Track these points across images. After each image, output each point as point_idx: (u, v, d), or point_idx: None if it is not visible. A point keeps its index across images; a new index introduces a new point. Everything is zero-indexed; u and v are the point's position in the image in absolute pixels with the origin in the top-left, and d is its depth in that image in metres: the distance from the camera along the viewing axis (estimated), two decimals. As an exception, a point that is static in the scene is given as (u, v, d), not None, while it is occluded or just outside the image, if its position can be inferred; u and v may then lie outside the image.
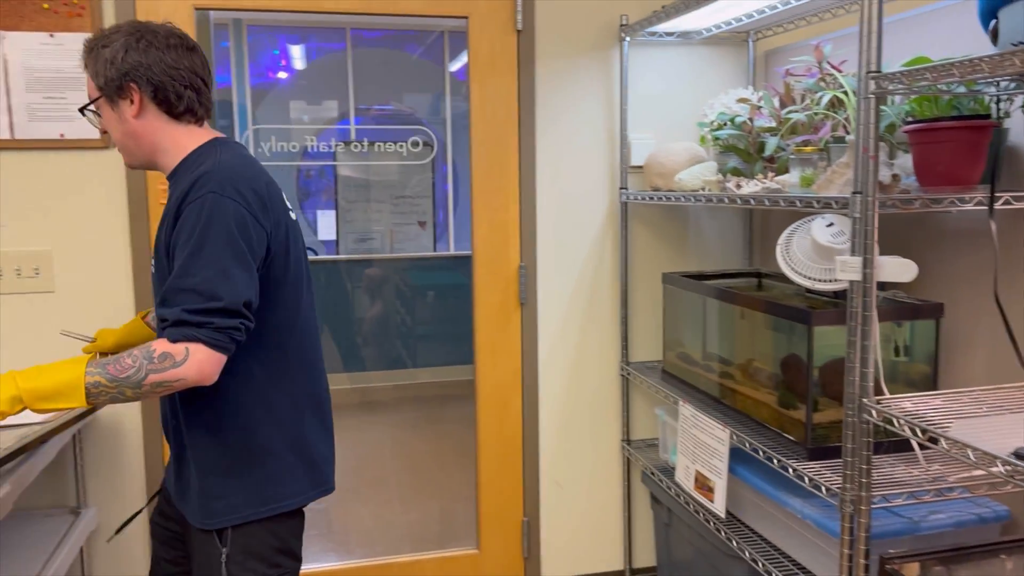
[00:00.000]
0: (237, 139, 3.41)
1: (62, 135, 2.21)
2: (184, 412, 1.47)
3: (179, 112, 1.45)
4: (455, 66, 3.75)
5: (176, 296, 1.31)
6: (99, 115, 1.48)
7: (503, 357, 2.62)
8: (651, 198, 2.42)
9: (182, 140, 1.46)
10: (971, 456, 1.26)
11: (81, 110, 1.48)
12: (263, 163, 2.51)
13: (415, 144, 3.25)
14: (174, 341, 1.30)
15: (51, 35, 2.19)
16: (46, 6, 2.18)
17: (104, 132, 1.51)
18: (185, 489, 1.51)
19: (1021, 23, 1.33)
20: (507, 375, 2.63)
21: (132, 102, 1.42)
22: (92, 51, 1.43)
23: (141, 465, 2.36)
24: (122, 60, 1.39)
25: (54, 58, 2.20)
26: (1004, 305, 1.67)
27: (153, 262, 1.46)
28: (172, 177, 1.47)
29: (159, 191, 2.34)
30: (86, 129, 2.23)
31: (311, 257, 3.70)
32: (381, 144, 3.38)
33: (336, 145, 3.43)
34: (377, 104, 3.72)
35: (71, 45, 2.20)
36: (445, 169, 3.73)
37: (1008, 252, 1.76)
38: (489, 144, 2.54)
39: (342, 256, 3.61)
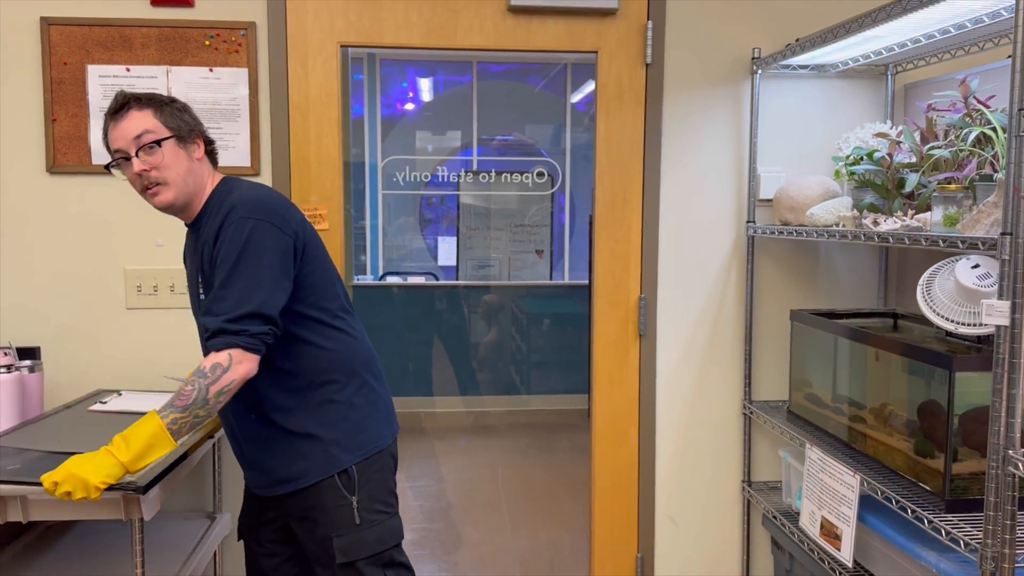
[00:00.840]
0: (366, 166, 3.57)
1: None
2: (271, 395, 1.74)
3: (215, 161, 1.83)
4: (576, 97, 3.80)
5: (217, 306, 1.60)
6: (151, 153, 1.71)
7: (620, 388, 2.61)
8: (780, 232, 2.37)
9: (210, 182, 1.79)
10: None
11: (154, 143, 1.70)
12: (390, 191, 2.62)
13: (540, 175, 3.31)
14: (218, 350, 1.58)
15: (210, 69, 2.37)
16: (207, 43, 2.36)
17: (145, 172, 1.72)
18: (281, 467, 1.77)
19: None
20: (624, 405, 2.62)
21: (198, 147, 1.77)
22: (162, 103, 1.74)
23: (271, 475, 2.48)
24: (190, 116, 1.78)
25: (211, 91, 2.38)
26: None
27: (201, 288, 1.73)
28: (202, 212, 1.76)
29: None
30: (240, 155, 2.39)
31: (432, 283, 3.81)
32: (504, 174, 3.46)
33: (462, 175, 3.54)
34: (500, 135, 3.81)
35: (227, 79, 2.38)
36: (563, 200, 3.78)
37: None
38: (613, 175, 2.56)
39: (461, 282, 3.71)
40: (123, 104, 1.70)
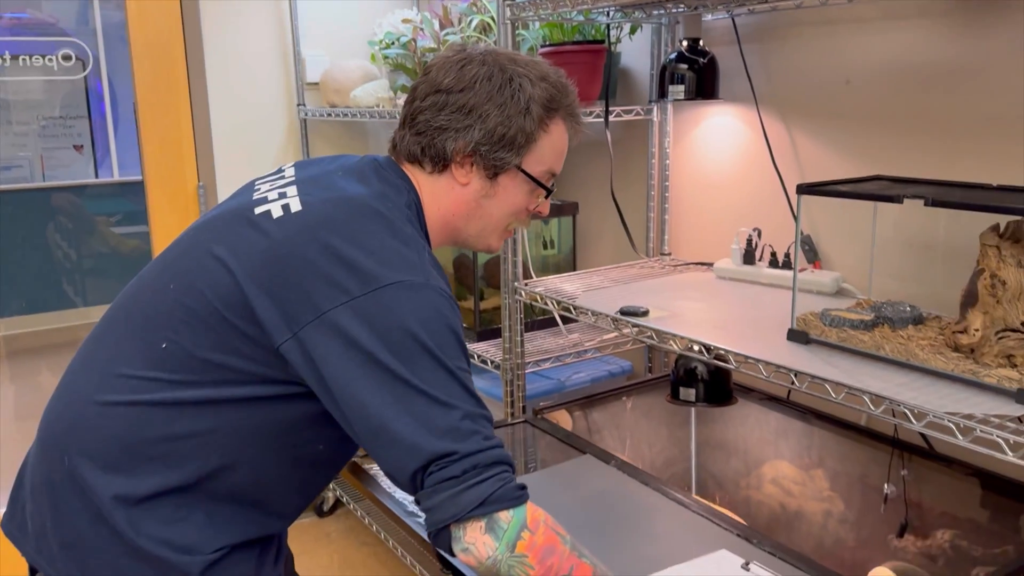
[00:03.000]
0: None
1: None
2: None
3: None
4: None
5: None
6: None
7: (188, 279, 2.60)
8: (330, 115, 2.51)
9: None
10: (591, 316, 1.60)
11: None
12: None
13: (67, 58, 2.97)
14: None
15: None
16: None
17: None
18: None
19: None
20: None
21: None
22: None
23: None
24: None
25: None
26: (619, 201, 2.05)
27: None
28: None
29: None
30: None
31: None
32: (21, 58, 3.04)
33: (-35, 58, 3.02)
34: (10, 13, 3.31)
35: None
36: (100, 87, 3.45)
37: (620, 157, 2.14)
38: (153, 58, 2.44)
39: (-19, 186, 3.23)
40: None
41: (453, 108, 1.02)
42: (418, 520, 1.38)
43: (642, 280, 1.85)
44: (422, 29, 2.37)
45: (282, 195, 1.00)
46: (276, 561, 1.04)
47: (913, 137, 1.54)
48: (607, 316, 1.55)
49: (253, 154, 2.64)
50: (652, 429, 1.97)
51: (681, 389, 1.78)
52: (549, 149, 1.07)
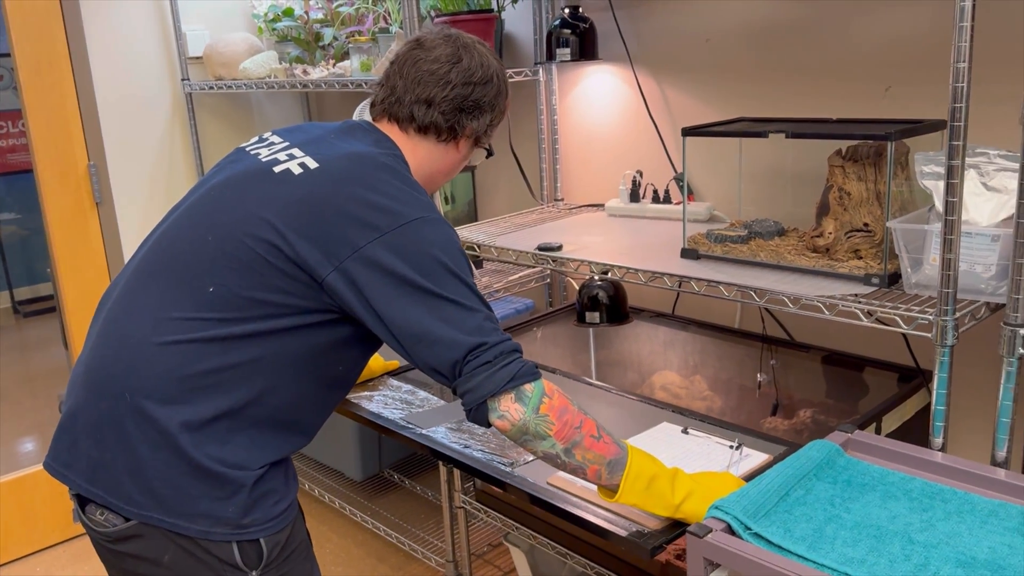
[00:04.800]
0: None
1: None
2: None
3: None
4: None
5: None
6: None
7: (86, 259, 2.60)
8: (217, 88, 2.57)
9: None
10: (511, 255, 1.83)
11: None
12: None
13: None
14: None
15: None
16: None
17: None
18: None
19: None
20: (94, 276, 2.62)
21: None
22: None
23: None
24: None
25: None
26: (517, 153, 2.28)
27: None
28: None
29: None
30: None
31: None
32: None
33: None
34: None
35: None
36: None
37: (516, 113, 2.37)
38: (33, 39, 2.41)
39: None
40: None
41: (477, 96, 1.25)
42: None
43: (543, 223, 2.09)
44: (310, 1, 2.48)
45: (291, 156, 1.16)
46: (294, 477, 1.23)
47: (764, 84, 1.86)
48: (528, 253, 1.79)
49: (141, 131, 2.66)
50: (560, 353, 2.24)
51: (587, 314, 2.06)
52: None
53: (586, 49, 2.06)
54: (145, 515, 1.09)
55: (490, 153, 1.37)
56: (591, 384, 1.78)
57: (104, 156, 2.58)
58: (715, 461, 1.35)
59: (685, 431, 1.47)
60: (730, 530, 1.07)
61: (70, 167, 2.53)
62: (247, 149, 1.24)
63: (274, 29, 2.56)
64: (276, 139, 1.24)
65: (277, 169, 1.15)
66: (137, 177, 2.67)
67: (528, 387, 1.10)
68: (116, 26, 2.56)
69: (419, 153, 1.26)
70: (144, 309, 1.12)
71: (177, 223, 1.18)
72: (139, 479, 1.08)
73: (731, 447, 1.39)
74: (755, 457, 1.36)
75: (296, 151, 1.17)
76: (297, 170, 1.14)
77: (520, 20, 2.29)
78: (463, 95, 1.24)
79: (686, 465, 1.25)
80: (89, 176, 2.57)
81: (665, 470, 1.14)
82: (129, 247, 2.65)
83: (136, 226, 2.67)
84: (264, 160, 1.18)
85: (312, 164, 1.14)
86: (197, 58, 2.73)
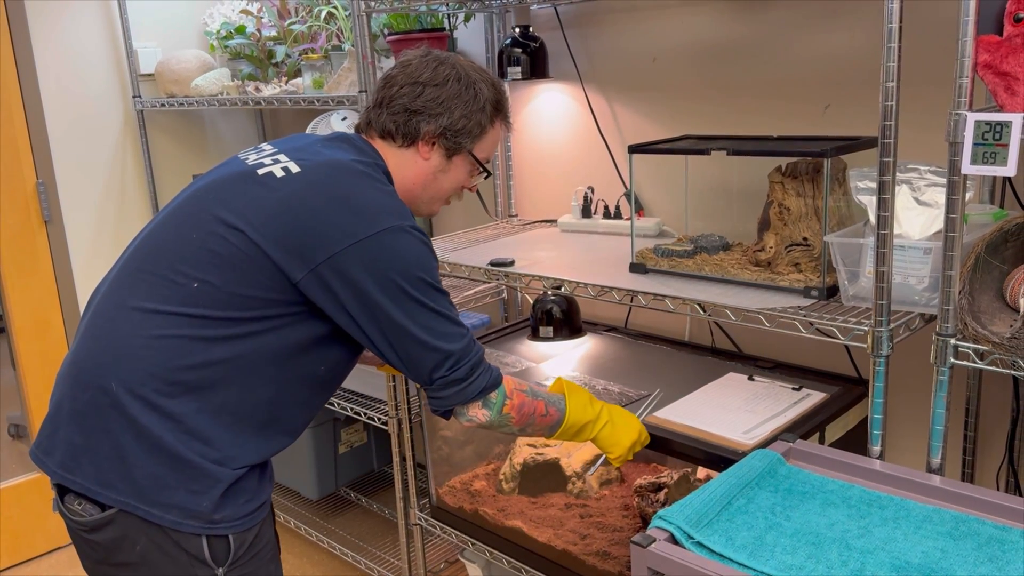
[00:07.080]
0: None
1: None
2: None
3: None
4: None
5: None
6: None
7: (35, 277, 2.55)
8: (168, 104, 2.56)
9: None
10: (464, 271, 1.84)
11: None
12: None
13: None
14: None
15: None
16: None
17: None
18: None
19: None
20: (43, 295, 2.57)
21: None
22: None
23: None
24: None
25: None
26: (469, 170, 2.29)
27: None
28: None
29: None
30: None
31: None
32: None
33: None
34: None
35: None
36: None
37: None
38: (-24, 55, 2.37)
39: None
40: None
41: (428, 98, 1.25)
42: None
43: (497, 239, 2.11)
44: (262, 19, 2.48)
45: (276, 161, 1.20)
46: (270, 479, 1.25)
47: (710, 103, 1.90)
48: (480, 268, 1.80)
49: (91, 148, 2.63)
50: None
51: (540, 328, 2.07)
52: (491, 141, 1.35)
53: (537, 68, 2.09)
54: (122, 501, 1.11)
55: (489, 174, 1.39)
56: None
57: (53, 174, 2.55)
58: (780, 401, 1.56)
59: (751, 378, 1.69)
60: (673, 539, 1.09)
61: (18, 185, 2.49)
62: (240, 155, 1.28)
63: (226, 47, 2.55)
64: (267, 147, 1.28)
65: (261, 172, 1.19)
66: (88, 195, 2.63)
67: (493, 395, 1.22)
68: (66, 43, 2.53)
69: (391, 161, 1.29)
70: (130, 304, 1.15)
71: (164, 221, 1.22)
72: (119, 466, 1.11)
73: (793, 388, 1.60)
74: (814, 396, 1.57)
75: (282, 156, 1.21)
76: (279, 173, 1.17)
77: (472, 39, 2.32)
78: (412, 94, 1.26)
79: (755, 406, 1.54)
80: (38, 194, 2.53)
81: (589, 418, 1.35)
82: (79, 265, 2.62)
83: (87, 243, 2.63)
84: (250, 164, 1.22)
85: (294, 169, 1.18)
86: (149, 75, 2.71)
